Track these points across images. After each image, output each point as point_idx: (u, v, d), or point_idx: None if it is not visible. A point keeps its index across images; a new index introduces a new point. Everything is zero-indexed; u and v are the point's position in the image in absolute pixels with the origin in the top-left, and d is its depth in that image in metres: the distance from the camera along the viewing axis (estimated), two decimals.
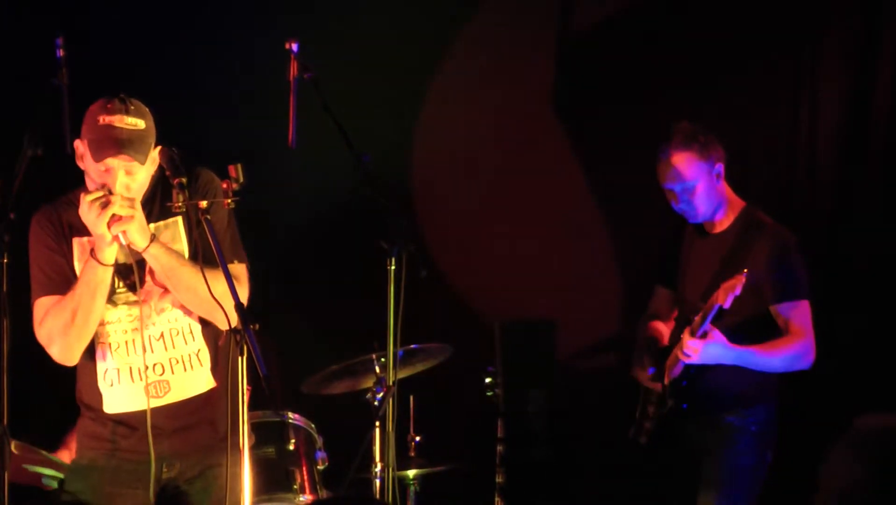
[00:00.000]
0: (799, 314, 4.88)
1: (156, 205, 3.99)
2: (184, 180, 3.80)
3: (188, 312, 3.99)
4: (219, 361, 4.02)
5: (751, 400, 4.97)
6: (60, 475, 4.75)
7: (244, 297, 3.90)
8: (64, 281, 3.95)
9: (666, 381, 5.04)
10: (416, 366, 5.23)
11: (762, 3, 6.06)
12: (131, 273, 3.90)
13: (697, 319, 4.85)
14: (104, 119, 3.84)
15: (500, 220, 6.28)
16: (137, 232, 3.81)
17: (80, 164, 3.94)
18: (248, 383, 3.77)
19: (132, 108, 3.87)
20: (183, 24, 5.95)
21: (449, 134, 6.30)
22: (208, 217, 3.80)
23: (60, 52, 3.95)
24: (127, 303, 3.97)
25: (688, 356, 4.83)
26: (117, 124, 3.83)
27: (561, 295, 6.20)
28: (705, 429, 4.99)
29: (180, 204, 3.79)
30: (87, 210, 3.79)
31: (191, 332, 4.00)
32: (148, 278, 3.96)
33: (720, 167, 5.00)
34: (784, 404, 5.05)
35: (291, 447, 4.82)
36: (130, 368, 3.98)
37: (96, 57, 5.21)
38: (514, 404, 5.88)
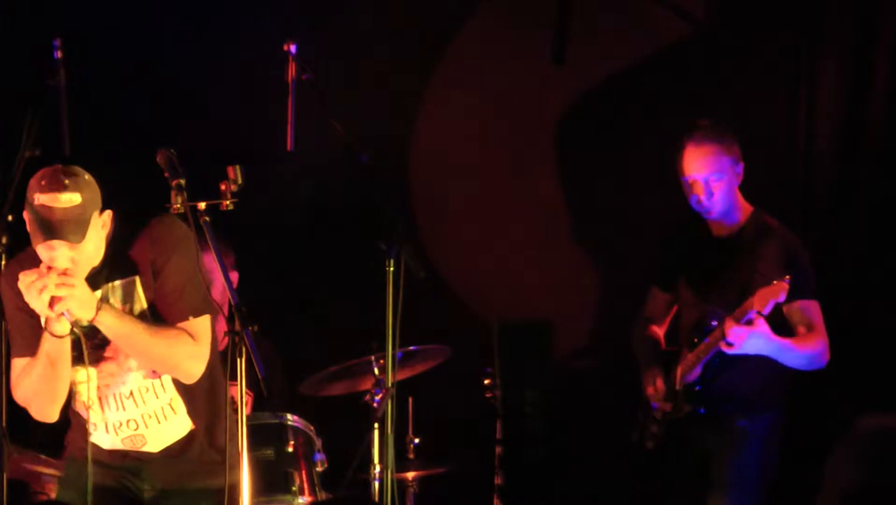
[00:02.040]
0: (815, 313, 4.93)
1: (116, 263, 3.92)
2: (182, 182, 3.79)
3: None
4: (195, 401, 4.00)
5: (761, 403, 4.98)
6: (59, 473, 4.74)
7: (203, 354, 3.89)
8: (35, 340, 3.86)
9: (678, 386, 5.03)
10: (414, 367, 5.22)
11: (761, 2, 6.06)
12: (97, 333, 3.84)
13: (737, 314, 4.81)
14: (38, 199, 3.73)
15: (499, 221, 6.27)
16: (80, 307, 3.72)
17: (25, 219, 3.82)
18: (249, 388, 3.77)
19: (67, 182, 3.73)
20: (182, 24, 5.94)
21: (448, 134, 6.29)
22: (207, 219, 3.80)
23: (58, 54, 3.94)
24: (96, 362, 3.92)
25: (730, 344, 4.79)
26: (50, 204, 3.71)
27: (559, 296, 6.19)
28: (715, 432, 4.99)
29: (179, 206, 3.78)
30: (27, 292, 3.71)
31: (161, 385, 3.97)
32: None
33: (741, 168, 5.02)
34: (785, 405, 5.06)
35: (290, 449, 4.82)
36: (106, 424, 3.98)
37: (95, 58, 5.21)
38: (512, 405, 5.87)
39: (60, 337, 3.78)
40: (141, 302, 3.92)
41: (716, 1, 6.12)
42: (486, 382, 5.62)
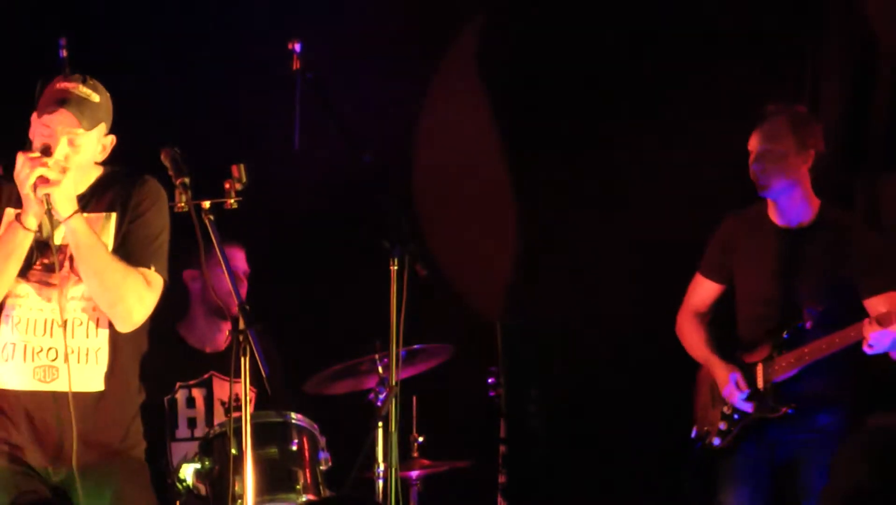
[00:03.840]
0: None
1: (97, 196, 4.03)
2: (186, 180, 3.84)
3: (97, 309, 3.98)
4: (115, 369, 4.03)
5: (839, 397, 4.96)
6: None
7: (149, 304, 3.97)
8: None
9: (765, 384, 4.98)
10: (418, 366, 5.23)
11: (763, 4, 6.07)
12: (52, 254, 3.94)
13: (881, 319, 4.80)
14: (59, 85, 3.91)
15: (503, 219, 6.28)
16: (61, 199, 3.84)
17: (31, 135, 3.95)
18: (252, 385, 3.78)
19: (91, 82, 3.94)
20: (185, 22, 5.95)
21: (451, 133, 6.30)
22: (212, 217, 3.82)
23: (63, 53, 3.96)
24: (39, 282, 3.97)
25: (872, 347, 4.79)
26: (68, 87, 3.90)
27: (563, 294, 6.19)
28: (796, 432, 4.94)
29: (183, 204, 3.82)
30: (20, 166, 3.82)
31: (96, 329, 4.00)
32: (67, 265, 3.97)
33: (811, 155, 5.00)
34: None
35: (294, 448, 4.81)
36: (26, 347, 3.98)
37: (98, 57, 5.21)
38: (516, 404, 5.88)
39: (27, 230, 3.87)
40: (109, 237, 3.99)
41: (719, 3, 6.12)
42: (490, 380, 5.63)
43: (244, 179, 3.90)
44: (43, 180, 3.80)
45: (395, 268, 4.48)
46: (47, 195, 3.81)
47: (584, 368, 6.17)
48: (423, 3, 6.19)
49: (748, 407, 4.99)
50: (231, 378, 3.73)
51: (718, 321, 5.28)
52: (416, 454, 5.43)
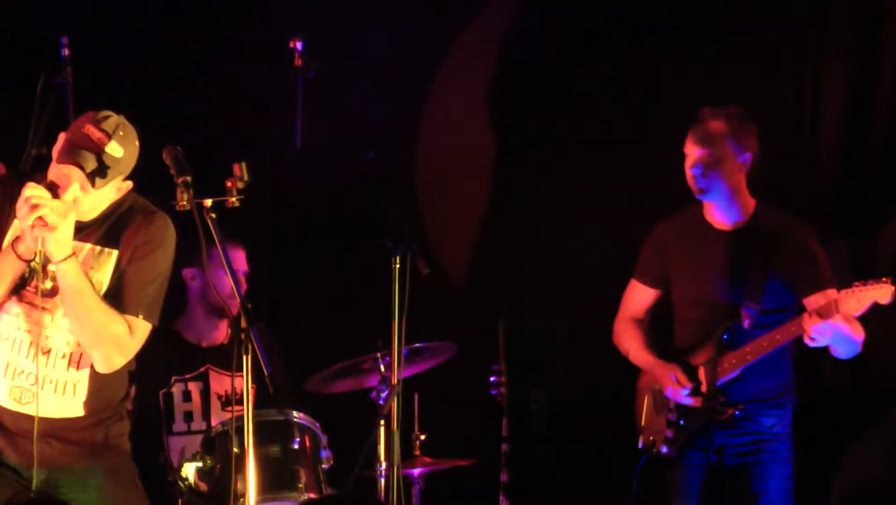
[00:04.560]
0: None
1: (105, 227, 4.01)
2: (188, 179, 3.82)
3: (81, 344, 3.99)
4: (96, 396, 4.04)
5: (783, 397, 4.97)
6: None
7: (129, 352, 3.98)
8: None
9: (708, 386, 4.94)
10: (420, 364, 5.23)
11: (763, 3, 6.07)
12: (48, 280, 3.92)
13: (822, 312, 4.78)
14: (89, 129, 3.84)
15: (504, 217, 6.28)
16: (55, 243, 3.81)
17: (53, 154, 3.92)
18: (253, 382, 3.78)
19: (120, 133, 3.86)
20: (187, 20, 5.95)
21: (452, 132, 6.30)
22: (213, 216, 3.82)
23: (65, 52, 3.96)
24: (31, 304, 3.97)
25: (814, 339, 4.77)
26: (95, 140, 3.82)
27: (565, 294, 6.19)
28: (743, 434, 4.94)
29: (185, 202, 3.81)
30: (22, 201, 3.79)
31: (77, 362, 4.01)
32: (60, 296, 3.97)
33: (748, 157, 4.96)
34: None
35: (296, 446, 4.82)
36: (7, 364, 3.99)
37: (98, 56, 5.22)
38: (518, 403, 5.87)
39: (19, 258, 3.86)
40: (107, 273, 3.98)
41: (719, 2, 6.12)
42: (493, 379, 5.63)
43: (245, 178, 3.89)
44: (41, 222, 3.77)
45: (397, 266, 4.48)
46: (42, 238, 3.79)
47: (585, 368, 6.17)
48: (423, 3, 6.19)
49: (693, 402, 4.96)
50: (232, 372, 3.73)
51: (655, 326, 5.29)
52: (418, 452, 5.42)
